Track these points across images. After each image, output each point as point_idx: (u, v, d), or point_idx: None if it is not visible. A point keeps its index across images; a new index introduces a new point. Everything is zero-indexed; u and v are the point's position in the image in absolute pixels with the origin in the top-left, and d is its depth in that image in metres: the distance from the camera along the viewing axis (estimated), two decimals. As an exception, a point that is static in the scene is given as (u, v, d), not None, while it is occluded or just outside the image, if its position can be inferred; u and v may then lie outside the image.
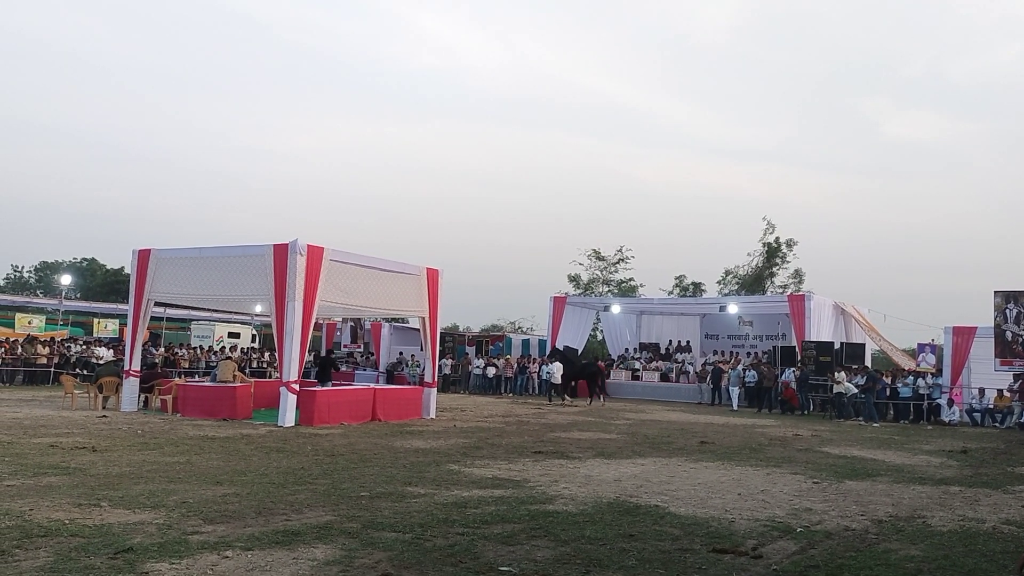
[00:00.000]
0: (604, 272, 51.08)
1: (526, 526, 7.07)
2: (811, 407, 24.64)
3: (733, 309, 33.24)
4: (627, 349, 36.12)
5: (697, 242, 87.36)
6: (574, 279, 51.20)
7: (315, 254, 16.28)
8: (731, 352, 32.86)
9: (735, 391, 26.45)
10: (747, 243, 69.99)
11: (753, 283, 47.70)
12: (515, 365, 31.80)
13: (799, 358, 25.95)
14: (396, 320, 34.64)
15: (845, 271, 75.88)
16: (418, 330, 24.42)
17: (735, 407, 25.93)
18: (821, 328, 27.78)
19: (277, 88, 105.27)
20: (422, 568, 5.59)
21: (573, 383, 26.89)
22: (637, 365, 33.21)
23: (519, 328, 53.63)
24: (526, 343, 37.56)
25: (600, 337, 43.09)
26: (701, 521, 7.58)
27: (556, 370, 26.34)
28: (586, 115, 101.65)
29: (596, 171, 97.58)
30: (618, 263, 50.65)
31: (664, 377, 31.68)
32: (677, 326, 36.82)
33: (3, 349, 26.42)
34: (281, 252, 16.11)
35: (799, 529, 7.41)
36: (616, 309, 36.05)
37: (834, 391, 22.82)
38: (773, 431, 18.06)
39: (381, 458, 11.36)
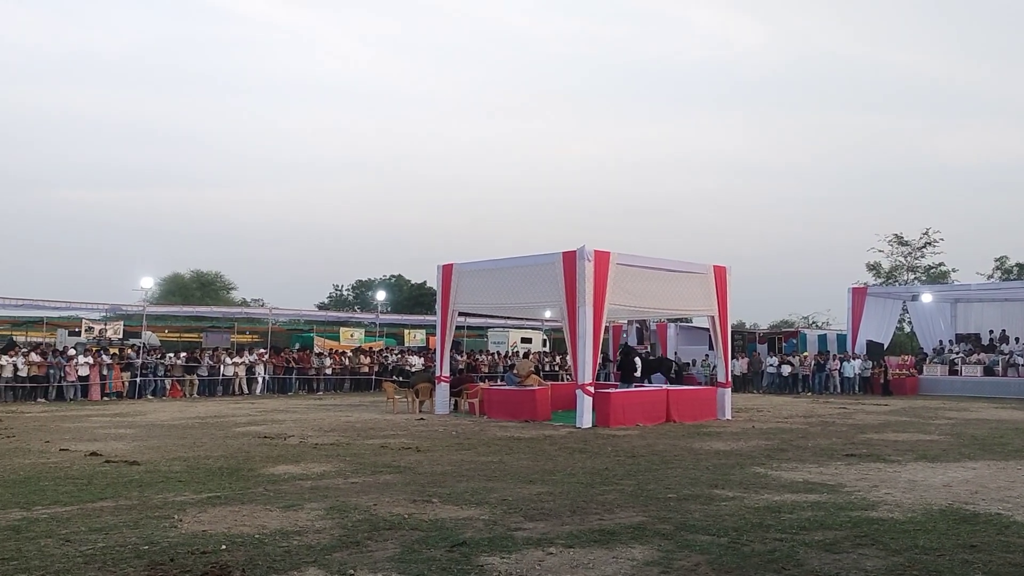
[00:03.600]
0: (908, 258, 47.06)
1: (849, 533, 6.66)
2: None
3: (1072, 291, 28.98)
4: (941, 341, 32.87)
5: (1018, 218, 77.43)
6: (874, 267, 47.68)
7: (602, 259, 16.59)
8: (1072, 340, 28.73)
9: (1081, 385, 23.04)
10: (1083, 214, 60.68)
11: (1095, 259, 41.33)
12: (812, 362, 30.16)
13: None
14: (681, 320, 34.33)
15: None
16: (704, 329, 23.97)
17: (1083, 404, 22.59)
18: None
19: (552, 101, 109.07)
20: (743, 573, 5.46)
21: None
22: (955, 359, 30.10)
23: (813, 323, 50.89)
24: (823, 338, 35.48)
25: (908, 329, 39.68)
26: (1059, 534, 6.67)
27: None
28: (870, 89, 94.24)
29: (890, 149, 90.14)
30: (924, 247, 46.45)
31: (988, 371, 28.45)
32: (1001, 313, 32.86)
33: (333, 360, 29.84)
34: (570, 259, 16.61)
35: None
36: (927, 298, 32.93)
37: None
38: None
39: (682, 460, 11.29)
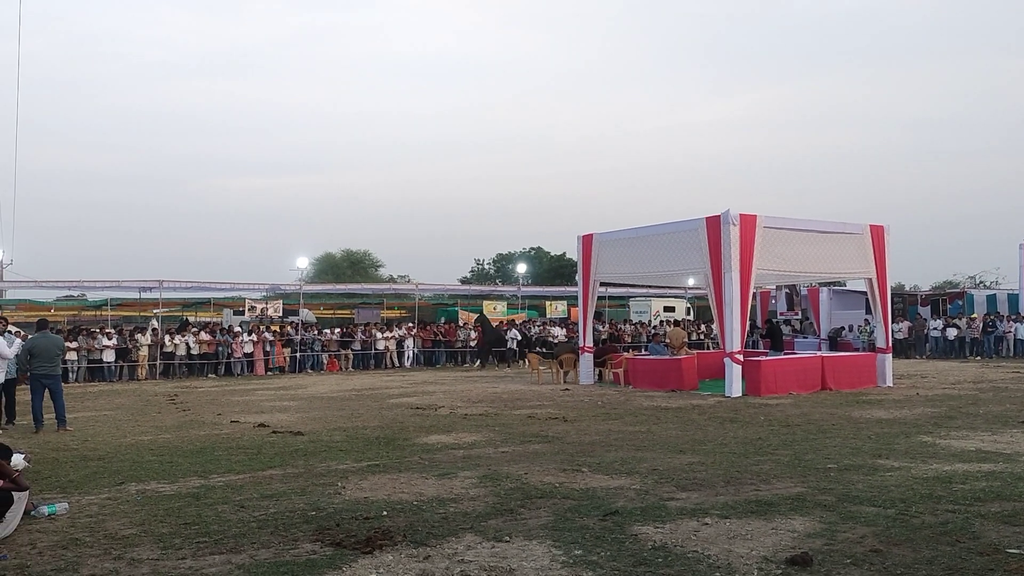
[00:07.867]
0: (1090, 209, 42.99)
1: (1030, 506, 6.19)
2: None
3: None
4: None
5: None
6: (1049, 221, 43.90)
7: (748, 223, 16.05)
8: None
9: None
10: None
11: None
12: (981, 324, 28.16)
13: None
14: (834, 284, 32.78)
15: None
16: (860, 292, 22.76)
17: None
18: None
19: (690, 62, 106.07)
20: (914, 545, 5.17)
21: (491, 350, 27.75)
22: None
23: (981, 283, 47.49)
24: (992, 299, 33.06)
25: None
26: None
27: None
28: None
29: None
30: (1109, 197, 42.30)
31: None
32: None
33: (477, 333, 30.37)
34: (714, 224, 16.16)
35: None
36: (1112, 252, 30.03)
37: None
38: None
39: (841, 429, 10.83)
